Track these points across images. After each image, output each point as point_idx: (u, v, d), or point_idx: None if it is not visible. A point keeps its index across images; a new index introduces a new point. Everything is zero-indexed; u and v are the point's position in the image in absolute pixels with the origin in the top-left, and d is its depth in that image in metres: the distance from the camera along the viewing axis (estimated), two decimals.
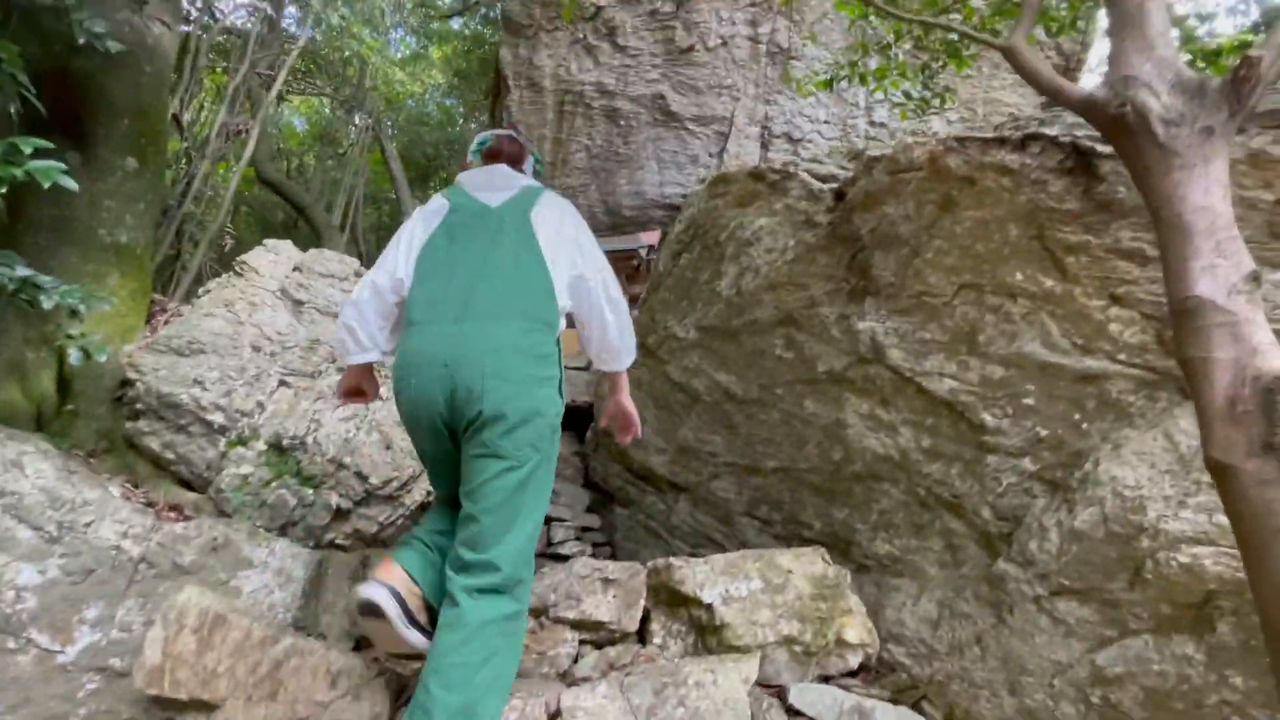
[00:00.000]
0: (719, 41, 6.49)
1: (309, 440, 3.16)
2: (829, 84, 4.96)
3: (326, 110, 16.19)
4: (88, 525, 2.07)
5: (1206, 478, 1.60)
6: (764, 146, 6.63)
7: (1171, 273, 1.43)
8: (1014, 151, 2.40)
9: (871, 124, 6.48)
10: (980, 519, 2.46)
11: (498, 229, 1.76)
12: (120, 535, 2.11)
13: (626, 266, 6.35)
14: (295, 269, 3.96)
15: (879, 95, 6.81)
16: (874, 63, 5.11)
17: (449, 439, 1.65)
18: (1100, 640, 2.05)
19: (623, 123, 6.82)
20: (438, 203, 1.89)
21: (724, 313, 3.21)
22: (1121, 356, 2.24)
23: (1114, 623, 2.03)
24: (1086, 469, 2.20)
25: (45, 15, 2.74)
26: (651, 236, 6.75)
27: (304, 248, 4.28)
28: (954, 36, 4.56)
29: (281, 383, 3.36)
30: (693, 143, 6.71)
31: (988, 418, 2.47)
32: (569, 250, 1.80)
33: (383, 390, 3.67)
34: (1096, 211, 2.26)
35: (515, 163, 2.08)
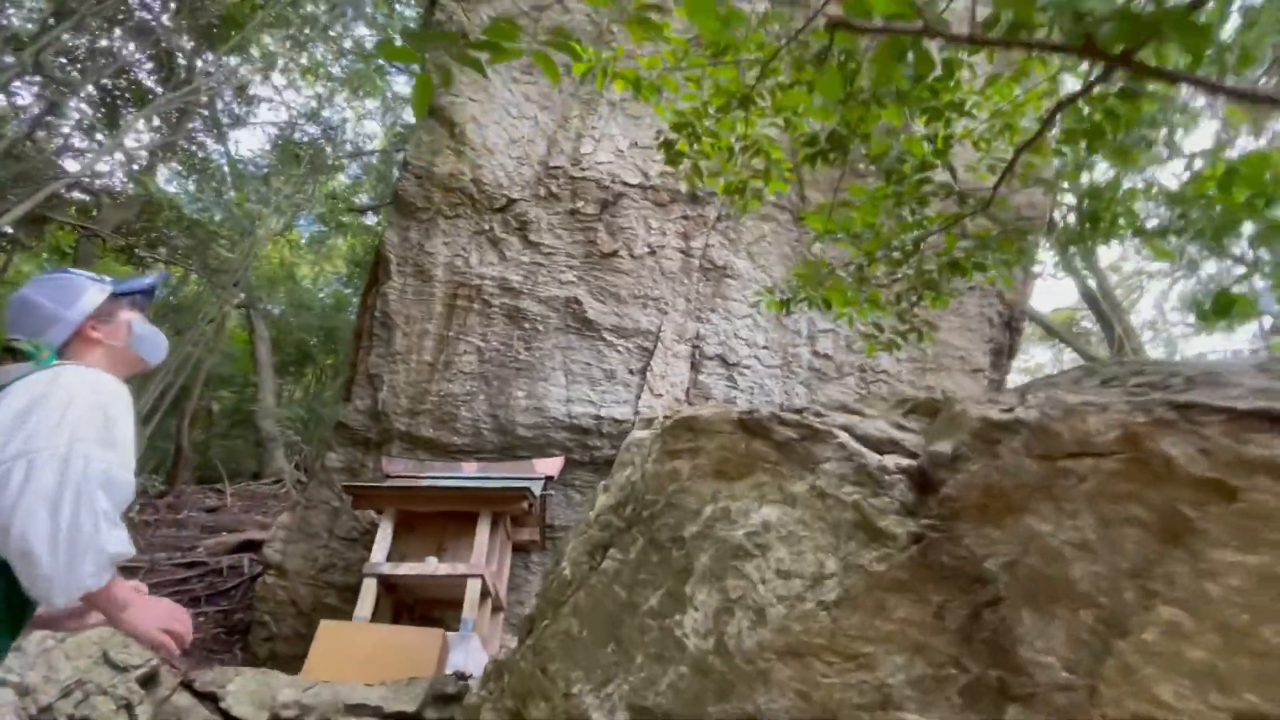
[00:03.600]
0: (646, 250, 5.74)
1: None
2: (785, 305, 4.10)
3: (185, 282, 14.45)
4: None
5: None
6: (694, 368, 5.61)
7: None
8: None
9: (815, 354, 5.71)
10: None
11: None
12: None
13: (513, 507, 4.70)
14: None
15: (823, 325, 6.21)
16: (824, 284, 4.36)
17: None
18: None
19: (527, 325, 5.67)
20: None
21: (689, 685, 1.63)
22: None
23: None
24: None
25: None
26: (552, 465, 5.25)
27: None
28: (930, 269, 3.86)
29: None
30: (610, 355, 5.60)
31: None
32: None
33: None
34: None
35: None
